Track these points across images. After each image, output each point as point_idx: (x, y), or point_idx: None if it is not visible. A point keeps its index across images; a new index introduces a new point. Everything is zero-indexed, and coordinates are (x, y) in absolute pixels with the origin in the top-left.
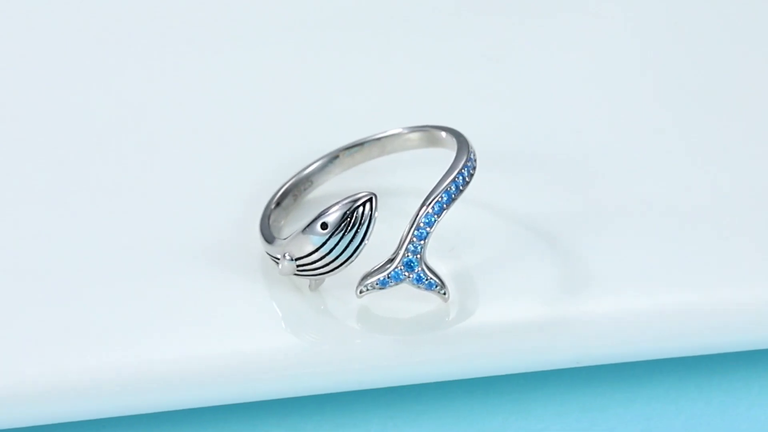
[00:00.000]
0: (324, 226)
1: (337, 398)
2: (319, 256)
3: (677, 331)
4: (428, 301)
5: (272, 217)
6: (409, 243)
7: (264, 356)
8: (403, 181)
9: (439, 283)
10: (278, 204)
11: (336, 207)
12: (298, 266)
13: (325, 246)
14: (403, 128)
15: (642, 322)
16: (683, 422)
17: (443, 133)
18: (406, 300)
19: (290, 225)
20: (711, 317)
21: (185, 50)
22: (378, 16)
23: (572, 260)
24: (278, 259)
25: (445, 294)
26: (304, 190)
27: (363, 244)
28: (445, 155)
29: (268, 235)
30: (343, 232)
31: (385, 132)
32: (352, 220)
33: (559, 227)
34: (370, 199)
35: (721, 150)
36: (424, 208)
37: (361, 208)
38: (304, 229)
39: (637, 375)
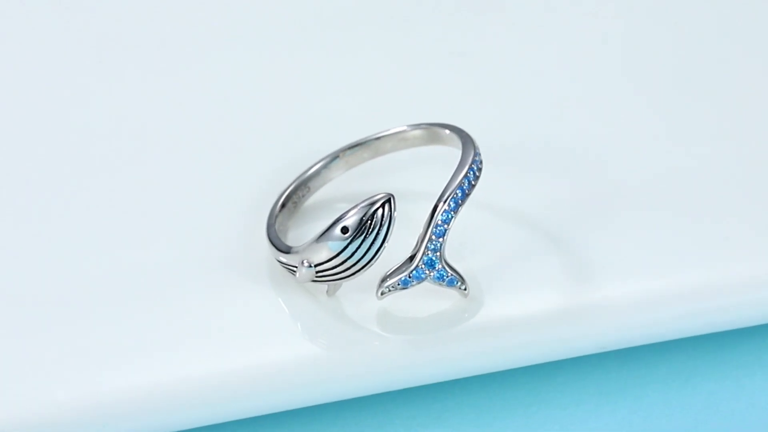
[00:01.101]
0: (344, 230)
1: (357, 402)
2: (339, 261)
3: (693, 309)
4: (444, 298)
5: (277, 224)
6: (429, 241)
7: (288, 365)
8: (399, 184)
9: (460, 278)
10: (281, 210)
11: (354, 210)
12: (317, 272)
13: (346, 250)
14: (407, 126)
15: (659, 303)
16: (702, 400)
17: (447, 131)
18: (422, 298)
19: (296, 229)
20: (725, 294)
21: (184, 52)
22: (377, 16)
23: (581, 249)
24: (294, 267)
25: (465, 289)
26: (302, 196)
27: (383, 246)
28: (445, 154)
29: (280, 244)
30: (363, 235)
31: (387, 130)
32: (372, 223)
33: (563, 219)
34: (389, 200)
35: (709, 130)
36: (441, 204)
37: (380, 210)
38: (322, 234)
39: (649, 357)
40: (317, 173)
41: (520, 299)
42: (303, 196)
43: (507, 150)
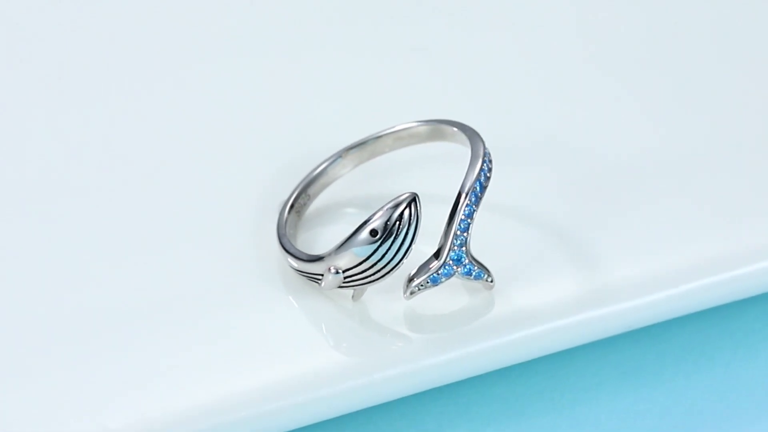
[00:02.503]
0: (373, 233)
1: (384, 404)
2: (369, 265)
3: (706, 282)
4: (463, 294)
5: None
6: (454, 236)
7: (321, 375)
8: (398, 185)
9: (486, 271)
10: (288, 215)
11: (380, 213)
12: (345, 278)
13: (376, 253)
14: (411, 123)
15: (674, 279)
16: (720, 370)
17: (453, 128)
18: (445, 294)
19: (302, 233)
20: (735, 265)
21: (182, 55)
22: (377, 16)
23: (589, 235)
24: (316, 275)
25: (491, 281)
26: (304, 204)
27: (411, 246)
28: (441, 154)
29: (300, 253)
30: (393, 236)
31: (391, 128)
32: (400, 224)
33: (567, 208)
34: (414, 200)
35: (698, 110)
36: (464, 198)
37: (407, 210)
38: (348, 240)
39: (662, 334)
40: (321, 174)
41: (538, 289)
42: (304, 204)
43: (504, 148)
